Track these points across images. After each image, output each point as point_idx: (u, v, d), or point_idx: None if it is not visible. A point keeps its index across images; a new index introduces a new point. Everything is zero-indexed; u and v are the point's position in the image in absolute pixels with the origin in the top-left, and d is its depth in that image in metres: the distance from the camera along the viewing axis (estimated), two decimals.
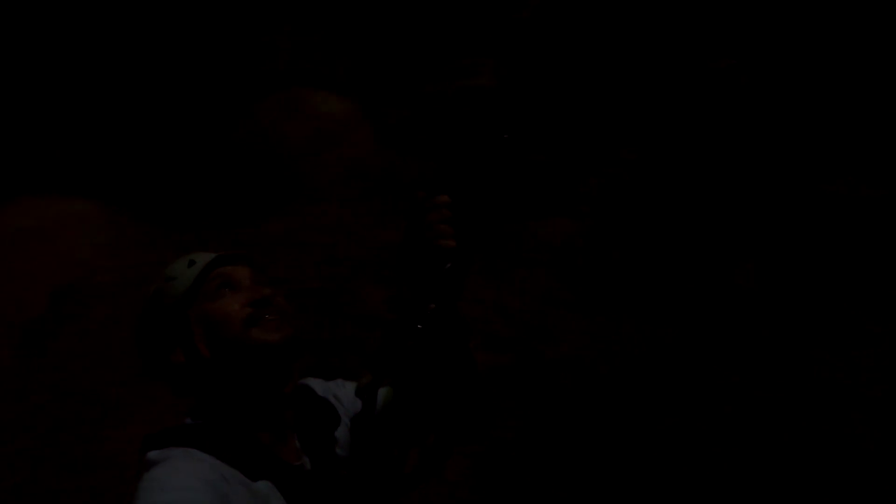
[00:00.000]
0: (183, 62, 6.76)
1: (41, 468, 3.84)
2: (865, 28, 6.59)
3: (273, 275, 4.45)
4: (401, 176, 6.90)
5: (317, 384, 1.51)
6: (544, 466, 3.69)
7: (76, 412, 4.27)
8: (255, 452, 1.27)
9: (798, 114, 6.33)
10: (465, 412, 1.34)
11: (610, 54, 7.13)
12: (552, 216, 6.14)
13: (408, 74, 7.45)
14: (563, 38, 7.34)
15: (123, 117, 6.40)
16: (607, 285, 5.42)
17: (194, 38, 6.85)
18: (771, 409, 4.15)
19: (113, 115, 6.39)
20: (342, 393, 1.52)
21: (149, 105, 6.47)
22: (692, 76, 6.80)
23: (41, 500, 3.65)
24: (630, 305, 5.14)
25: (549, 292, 5.34)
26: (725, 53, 6.83)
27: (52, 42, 6.50)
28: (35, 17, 6.55)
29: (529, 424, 3.97)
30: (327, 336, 4.76)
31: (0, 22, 6.42)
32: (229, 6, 7.02)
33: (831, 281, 5.20)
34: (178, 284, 1.32)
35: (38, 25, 6.54)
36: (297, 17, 7.36)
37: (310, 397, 1.44)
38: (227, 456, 1.23)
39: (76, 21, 6.56)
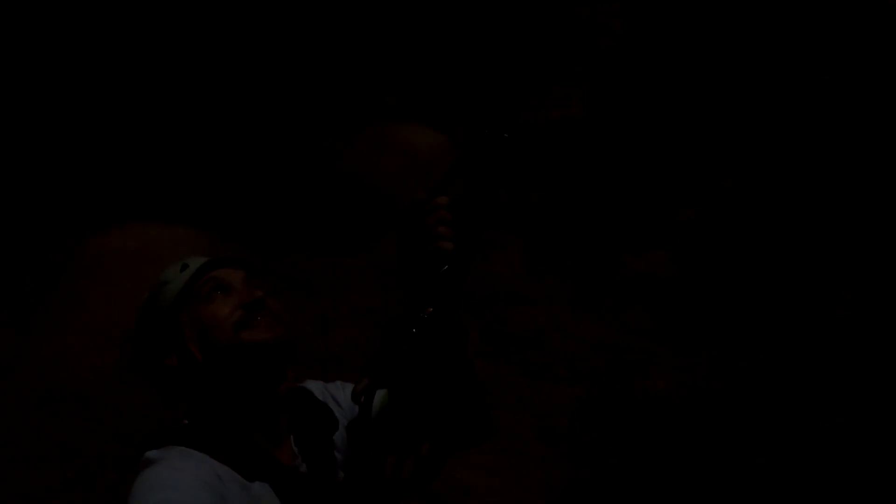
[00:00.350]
0: (284, 95, 6.98)
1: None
2: None
3: (366, 304, 4.47)
4: (498, 208, 6.92)
5: (316, 387, 1.49)
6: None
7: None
8: (251, 453, 1.27)
9: None
10: (462, 421, 1.32)
11: (700, 78, 7.02)
12: (646, 248, 6.03)
13: (498, 105, 7.51)
14: (652, 63, 7.27)
15: (223, 147, 6.63)
16: (701, 318, 5.25)
17: (295, 71, 7.07)
18: (877, 452, 3.89)
19: (212, 144, 6.63)
20: (341, 396, 1.50)
21: (248, 136, 6.68)
22: (787, 96, 6.61)
23: None
24: (724, 339, 4.96)
25: (641, 325, 5.21)
26: (821, 70, 6.63)
27: (161, 75, 6.82)
28: (150, 51, 6.90)
29: (616, 460, 3.84)
30: None
31: (107, 54, 6.78)
32: (329, 38, 7.24)
33: None
34: (171, 288, 1.34)
35: (151, 59, 6.87)
36: (394, 50, 7.52)
37: (308, 400, 1.43)
38: (223, 456, 1.23)
39: (181, 51, 6.87)
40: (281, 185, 6.61)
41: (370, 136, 6.95)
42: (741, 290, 5.44)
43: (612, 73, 7.35)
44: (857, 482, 3.72)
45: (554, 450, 3.94)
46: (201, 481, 1.15)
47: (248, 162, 6.57)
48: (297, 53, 7.14)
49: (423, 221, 1.23)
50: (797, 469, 3.83)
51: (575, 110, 7.29)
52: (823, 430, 4.07)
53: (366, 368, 1.18)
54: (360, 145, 6.91)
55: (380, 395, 1.24)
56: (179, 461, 1.18)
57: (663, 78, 7.06)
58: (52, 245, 5.76)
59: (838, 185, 5.95)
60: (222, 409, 1.29)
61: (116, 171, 6.43)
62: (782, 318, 5.11)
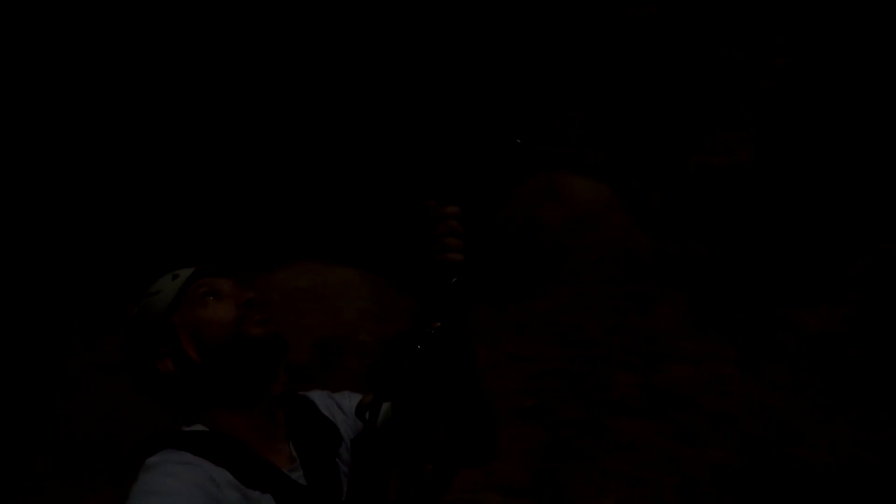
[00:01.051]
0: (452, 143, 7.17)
1: None
2: None
3: (519, 352, 4.46)
4: (661, 260, 6.74)
5: (320, 397, 1.48)
6: None
7: None
8: (250, 460, 1.25)
9: None
10: (465, 439, 1.27)
11: (870, 119, 6.50)
12: (814, 302, 5.62)
13: (663, 155, 7.33)
14: (819, 102, 6.82)
15: (387, 192, 6.88)
16: (874, 382, 4.81)
17: (451, 122, 7.26)
18: None
19: (377, 191, 6.89)
20: (347, 404, 1.47)
21: (405, 181, 6.91)
22: None
23: None
24: None
25: (806, 388, 4.84)
26: None
27: (332, 125, 7.21)
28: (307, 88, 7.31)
29: None
30: (563, 417, 4.67)
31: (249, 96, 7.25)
32: (498, 88, 7.37)
33: None
34: (164, 296, 1.33)
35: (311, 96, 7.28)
36: (561, 102, 7.56)
37: (310, 411, 1.41)
38: (222, 461, 1.22)
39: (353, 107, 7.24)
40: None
41: (536, 186, 7.01)
42: None
43: (776, 115, 6.97)
44: None
45: None
46: (197, 487, 1.14)
47: (412, 206, 6.79)
48: (471, 102, 7.33)
49: (432, 231, 1.21)
50: None
51: (741, 156, 7.00)
52: None
53: (371, 383, 1.17)
54: (526, 195, 6.99)
55: (385, 408, 1.22)
56: (176, 467, 1.18)
57: (831, 118, 6.62)
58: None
59: None
60: (218, 410, 1.29)
61: (290, 214, 6.86)
62: None
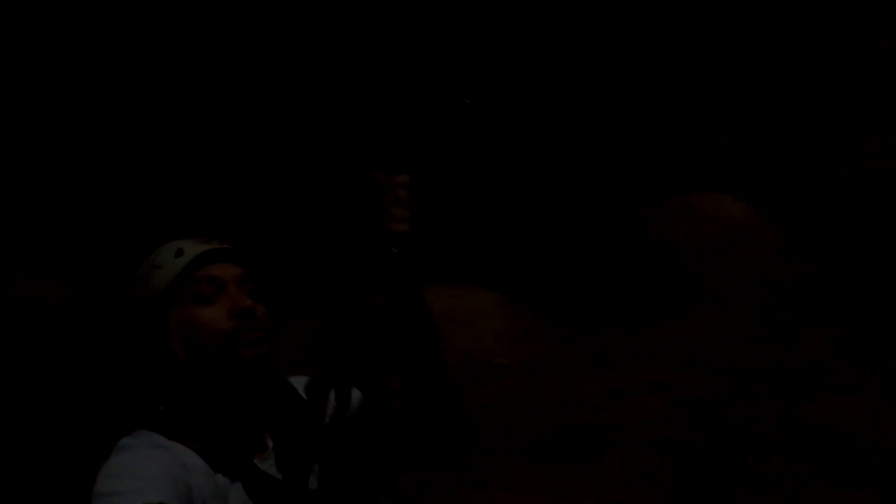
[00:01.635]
0: (586, 165, 7.14)
1: None
2: None
3: (657, 379, 4.41)
4: (810, 282, 6.43)
5: (301, 383, 1.44)
6: None
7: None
8: (223, 448, 1.24)
9: None
10: (433, 425, 1.23)
11: None
12: None
13: (810, 166, 6.98)
14: None
15: (522, 217, 6.92)
16: None
17: (587, 143, 7.21)
18: None
19: (518, 214, 6.94)
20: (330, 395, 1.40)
21: (550, 206, 6.93)
22: None
23: None
24: None
25: None
26: None
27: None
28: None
29: None
30: (700, 448, 4.57)
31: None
32: (627, 107, 7.27)
33: None
34: (163, 275, 1.29)
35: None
36: (699, 118, 7.35)
37: (292, 398, 1.37)
38: (195, 446, 1.21)
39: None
40: (582, 255, 6.77)
41: (673, 206, 6.86)
42: None
43: None
44: None
45: None
46: (166, 471, 1.14)
47: (547, 230, 6.81)
48: (598, 124, 7.28)
49: (378, 201, 1.17)
50: None
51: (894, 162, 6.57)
52: None
53: (314, 363, 1.17)
54: (663, 215, 6.86)
55: (356, 396, 1.22)
56: (147, 449, 1.17)
57: None
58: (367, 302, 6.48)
59: None
60: (199, 404, 1.27)
61: (430, 237, 7.04)
62: None
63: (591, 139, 7.29)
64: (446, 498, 4.16)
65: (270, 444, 1.31)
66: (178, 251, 1.31)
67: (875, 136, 6.93)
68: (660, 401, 5.37)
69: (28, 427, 5.04)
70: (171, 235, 1.41)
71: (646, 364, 5.82)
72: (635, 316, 6.36)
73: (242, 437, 1.29)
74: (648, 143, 7.27)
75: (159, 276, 1.29)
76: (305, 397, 1.38)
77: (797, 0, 7.32)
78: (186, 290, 1.28)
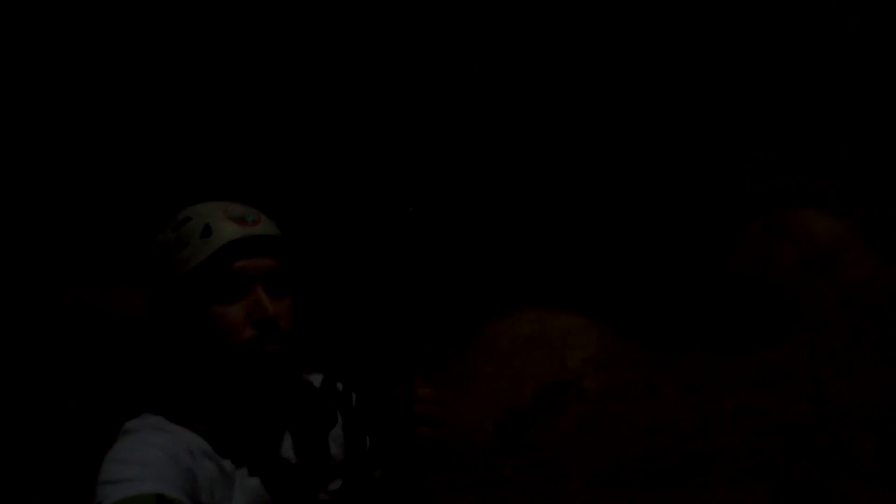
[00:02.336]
0: (670, 188, 7.06)
1: None
2: None
3: (746, 405, 4.38)
4: None
5: (317, 380, 1.40)
6: None
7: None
8: (229, 429, 1.22)
9: None
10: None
11: None
12: None
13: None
14: None
15: (611, 242, 6.91)
16: None
17: (679, 161, 7.12)
18: None
19: (601, 239, 6.93)
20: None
21: (636, 227, 6.89)
22: None
23: None
24: None
25: None
26: None
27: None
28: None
29: None
30: (791, 477, 4.49)
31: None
32: (713, 124, 7.16)
33: None
34: (186, 257, 1.20)
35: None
36: (783, 133, 7.16)
37: (308, 394, 1.34)
38: (203, 432, 1.19)
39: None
40: (669, 277, 6.71)
41: (765, 225, 6.72)
42: None
43: None
44: None
45: None
46: (171, 457, 1.11)
47: (636, 251, 6.78)
48: (684, 139, 7.19)
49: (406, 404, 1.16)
50: None
51: None
52: None
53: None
54: (754, 234, 6.72)
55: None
56: (151, 434, 1.15)
57: None
58: (458, 323, 6.60)
59: None
60: (209, 389, 1.24)
61: (519, 260, 7.11)
62: None
63: (678, 156, 7.22)
64: None
65: (289, 439, 1.30)
66: (206, 229, 1.21)
67: None
68: (750, 427, 5.28)
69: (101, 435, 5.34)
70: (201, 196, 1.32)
71: (736, 389, 5.73)
72: (726, 339, 6.27)
73: (254, 424, 1.26)
74: (737, 159, 7.14)
75: (183, 256, 1.20)
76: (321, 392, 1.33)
77: (885, 5, 7.05)
78: (210, 281, 1.20)
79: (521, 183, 7.23)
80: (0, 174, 6.54)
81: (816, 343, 6.05)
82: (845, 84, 7.14)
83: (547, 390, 5.93)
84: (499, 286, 6.92)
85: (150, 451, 1.11)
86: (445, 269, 6.73)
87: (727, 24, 7.24)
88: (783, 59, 7.25)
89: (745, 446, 4.99)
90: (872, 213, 6.85)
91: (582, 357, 6.16)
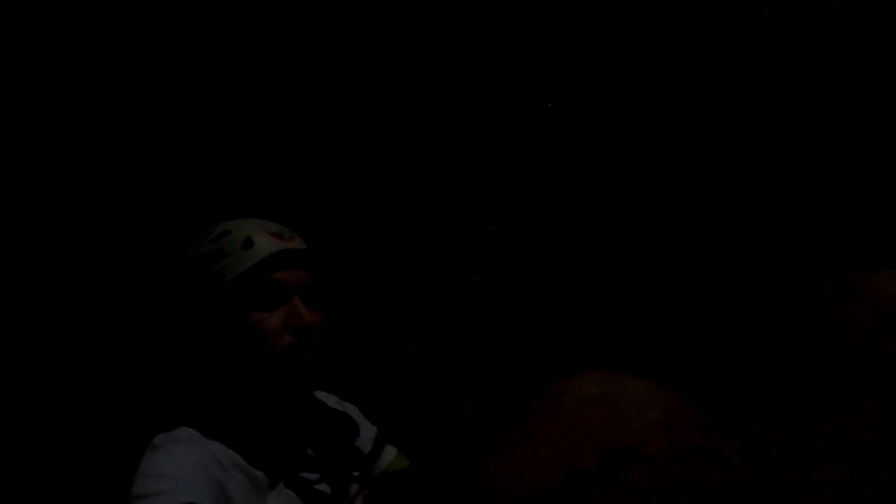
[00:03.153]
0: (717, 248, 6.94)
1: None
2: None
3: (817, 476, 4.34)
4: None
5: (327, 397, 1.50)
6: None
7: None
8: (259, 440, 1.25)
9: None
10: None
11: None
12: None
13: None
14: None
15: (677, 304, 6.84)
16: None
17: (752, 222, 7.01)
18: None
19: (667, 301, 6.87)
20: (352, 409, 1.52)
21: (703, 288, 6.80)
22: None
23: None
24: None
25: None
26: None
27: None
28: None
29: None
30: None
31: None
32: (783, 180, 7.02)
33: None
34: (228, 267, 1.25)
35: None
36: (861, 190, 6.97)
37: (322, 410, 1.42)
38: (233, 442, 1.22)
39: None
40: (739, 339, 6.60)
41: (837, 287, 6.56)
42: None
43: None
44: None
45: None
46: (200, 470, 1.14)
47: (702, 313, 6.70)
48: (753, 198, 7.07)
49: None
50: None
51: None
52: None
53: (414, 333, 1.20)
54: (825, 296, 6.56)
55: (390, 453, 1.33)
56: (181, 448, 1.17)
57: None
58: (523, 380, 6.63)
59: None
60: (241, 400, 1.27)
61: (586, 319, 7.11)
62: None
63: (747, 215, 7.12)
64: None
65: (310, 451, 1.35)
66: (247, 241, 1.27)
67: None
68: (818, 499, 5.15)
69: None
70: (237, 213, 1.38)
71: (805, 458, 5.59)
72: (794, 405, 6.13)
73: (285, 434, 1.31)
74: (807, 218, 7.00)
75: (224, 266, 1.26)
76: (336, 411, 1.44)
77: None
78: (251, 291, 1.25)
79: (591, 241, 7.24)
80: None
81: (890, 410, 5.86)
82: None
83: (610, 453, 5.91)
84: (564, 345, 6.94)
85: (180, 465, 1.14)
86: (511, 325, 6.80)
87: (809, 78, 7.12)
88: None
89: None
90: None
91: (646, 421, 6.12)
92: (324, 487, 1.31)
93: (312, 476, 1.31)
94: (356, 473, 1.37)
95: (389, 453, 1.44)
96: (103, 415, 5.66)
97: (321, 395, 1.49)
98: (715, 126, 7.23)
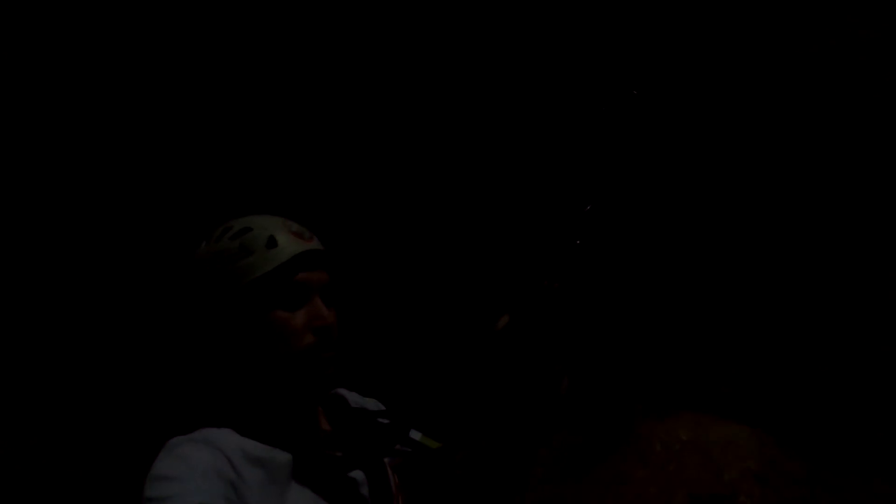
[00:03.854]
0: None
1: None
2: None
3: None
4: None
5: (351, 396, 1.51)
6: None
7: None
8: (283, 426, 1.26)
9: None
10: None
11: None
12: None
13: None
14: None
15: (783, 348, 6.55)
16: None
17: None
18: None
19: (772, 345, 6.59)
20: (372, 404, 1.53)
21: (811, 332, 6.48)
22: None
23: None
24: None
25: None
26: None
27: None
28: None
29: None
30: None
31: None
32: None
33: None
34: (252, 266, 1.26)
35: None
36: None
37: (343, 407, 1.43)
38: (252, 430, 1.23)
39: None
40: (847, 390, 6.24)
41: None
42: None
43: None
44: None
45: None
46: (211, 471, 1.14)
47: (810, 358, 6.37)
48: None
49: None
50: None
51: None
52: None
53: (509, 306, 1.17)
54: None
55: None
56: (192, 450, 1.17)
57: None
58: (612, 421, 6.49)
59: None
60: (260, 393, 1.28)
61: (680, 361, 6.89)
62: None
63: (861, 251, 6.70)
64: None
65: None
66: (271, 240, 1.28)
67: None
68: None
69: None
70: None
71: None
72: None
73: (306, 422, 1.33)
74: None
75: (247, 265, 1.27)
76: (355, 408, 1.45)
77: None
78: (275, 290, 1.26)
79: (684, 281, 7.04)
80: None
81: None
82: None
83: (700, 501, 5.70)
84: (656, 387, 6.75)
85: (190, 467, 1.13)
86: (601, 365, 6.68)
87: None
88: None
89: None
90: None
91: (739, 469, 5.87)
92: (356, 474, 1.32)
93: (338, 457, 1.32)
94: (384, 456, 1.38)
95: (415, 435, 1.45)
96: (120, 418, 5.72)
97: (342, 392, 1.50)
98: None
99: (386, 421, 1.40)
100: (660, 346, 6.99)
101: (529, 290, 1.17)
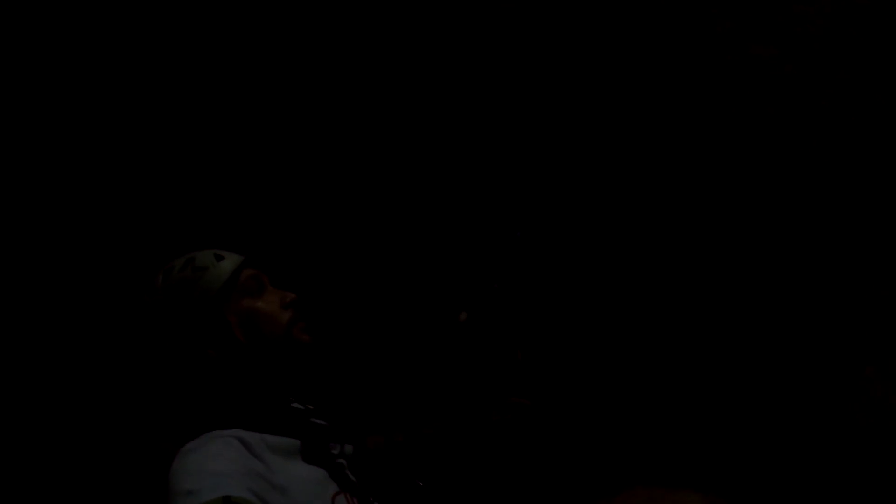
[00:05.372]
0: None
1: None
2: None
3: None
4: None
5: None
6: None
7: None
8: (290, 415, 1.37)
9: None
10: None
11: None
12: None
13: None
14: None
15: (734, 413, 6.60)
16: None
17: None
18: None
19: (723, 411, 6.63)
20: None
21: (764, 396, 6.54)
22: None
23: None
24: None
25: None
26: None
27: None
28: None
29: None
30: None
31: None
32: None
33: None
34: (212, 278, 1.43)
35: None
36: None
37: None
38: (262, 424, 1.30)
39: None
40: (804, 451, 6.32)
41: (876, 371, 6.27)
42: None
43: None
44: None
45: None
46: (236, 461, 1.17)
47: (765, 421, 6.41)
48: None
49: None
50: None
51: None
52: None
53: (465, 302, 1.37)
54: (870, 382, 6.27)
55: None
56: (216, 447, 1.21)
57: None
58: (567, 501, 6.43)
59: None
60: (263, 384, 1.39)
61: (630, 439, 6.90)
62: None
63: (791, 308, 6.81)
64: None
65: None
66: (216, 256, 1.49)
67: None
68: None
69: None
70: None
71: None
72: (853, 499, 5.83)
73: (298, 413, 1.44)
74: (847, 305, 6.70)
75: (211, 277, 1.45)
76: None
77: None
78: (239, 287, 1.46)
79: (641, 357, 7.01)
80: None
81: None
82: None
83: None
84: (607, 465, 6.75)
85: (220, 460, 1.18)
86: (551, 447, 6.63)
87: None
88: None
89: None
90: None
91: None
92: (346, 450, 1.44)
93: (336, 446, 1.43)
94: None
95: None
96: (131, 427, 5.62)
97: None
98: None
99: (322, 422, 1.51)
100: (609, 426, 6.99)
101: (481, 292, 1.45)
